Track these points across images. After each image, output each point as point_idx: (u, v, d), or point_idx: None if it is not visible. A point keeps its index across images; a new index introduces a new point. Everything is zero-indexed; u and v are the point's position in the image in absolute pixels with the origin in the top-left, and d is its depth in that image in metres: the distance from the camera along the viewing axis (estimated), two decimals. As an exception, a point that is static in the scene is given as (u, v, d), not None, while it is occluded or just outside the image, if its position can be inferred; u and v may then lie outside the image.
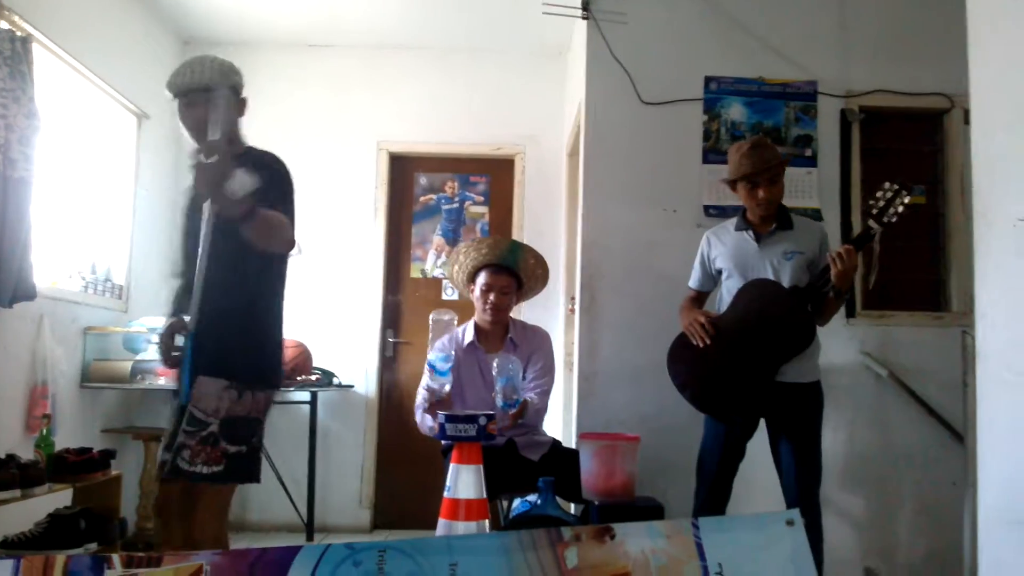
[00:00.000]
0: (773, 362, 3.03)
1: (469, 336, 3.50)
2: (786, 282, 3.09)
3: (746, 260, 3.18)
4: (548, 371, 3.53)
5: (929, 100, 4.06)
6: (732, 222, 3.30)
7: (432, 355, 3.03)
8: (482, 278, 3.45)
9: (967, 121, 3.87)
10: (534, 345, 3.54)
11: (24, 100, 3.32)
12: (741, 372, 3.05)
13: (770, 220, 3.19)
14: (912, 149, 4.17)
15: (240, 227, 2.21)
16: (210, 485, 2.38)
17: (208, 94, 2.36)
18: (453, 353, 3.13)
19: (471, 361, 3.46)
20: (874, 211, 3.00)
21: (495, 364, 3.05)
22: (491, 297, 3.42)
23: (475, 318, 3.54)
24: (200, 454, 2.32)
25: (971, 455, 2.69)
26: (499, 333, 3.52)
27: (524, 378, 3.38)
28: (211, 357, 2.39)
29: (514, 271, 3.49)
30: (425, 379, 3.31)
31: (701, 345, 3.09)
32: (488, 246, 3.49)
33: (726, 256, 3.23)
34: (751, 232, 3.20)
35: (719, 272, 3.27)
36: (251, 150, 2.54)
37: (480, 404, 3.30)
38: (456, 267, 3.54)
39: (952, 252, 4.04)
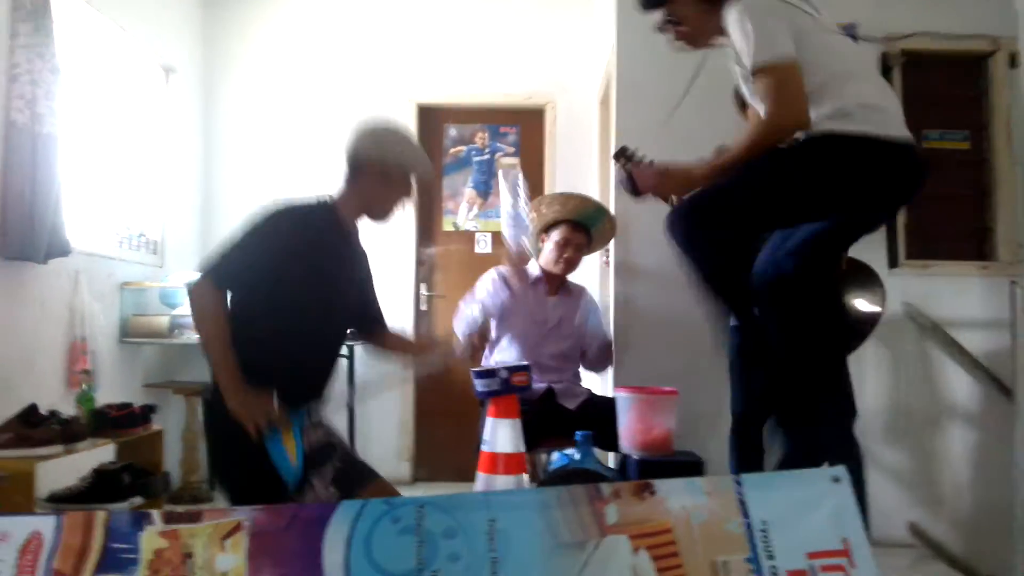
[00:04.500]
0: None
1: (535, 272, 3.67)
2: None
3: None
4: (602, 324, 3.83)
5: (972, 43, 3.91)
6: None
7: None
8: (563, 231, 3.60)
9: (1013, 64, 3.81)
10: (585, 300, 3.78)
11: (48, 55, 3.30)
12: None
13: None
14: (954, 94, 4.04)
15: None
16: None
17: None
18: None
19: (527, 295, 3.61)
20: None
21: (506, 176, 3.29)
22: (567, 252, 3.59)
23: (541, 262, 3.69)
24: None
25: (1020, 409, 2.62)
26: (557, 280, 3.71)
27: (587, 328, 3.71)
28: None
29: (590, 232, 3.65)
30: (471, 307, 3.64)
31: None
32: (575, 204, 3.64)
33: None
34: None
35: None
36: None
37: (528, 335, 3.55)
38: (533, 214, 3.68)
39: (998, 200, 3.92)
